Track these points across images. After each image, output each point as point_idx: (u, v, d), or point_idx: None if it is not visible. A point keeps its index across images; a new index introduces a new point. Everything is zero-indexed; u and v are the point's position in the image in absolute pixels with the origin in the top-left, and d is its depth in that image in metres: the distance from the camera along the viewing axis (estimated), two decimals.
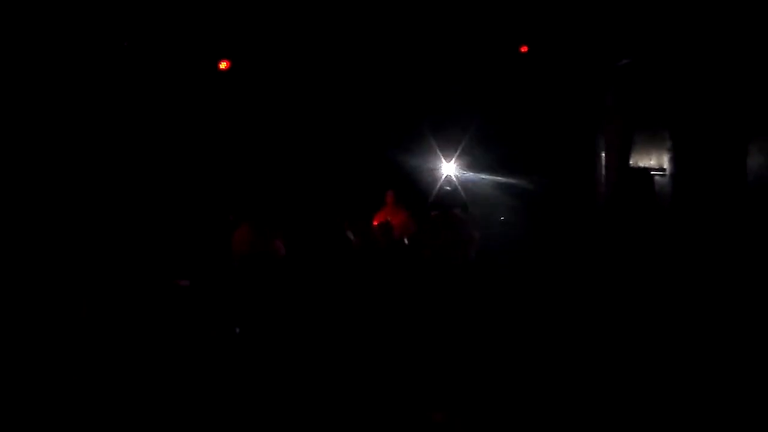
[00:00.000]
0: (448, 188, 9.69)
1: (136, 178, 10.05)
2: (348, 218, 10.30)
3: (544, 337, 7.22)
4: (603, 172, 10.16)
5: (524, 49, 10.12)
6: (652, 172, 9.02)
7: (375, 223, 10.21)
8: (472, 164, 11.47)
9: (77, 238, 8.65)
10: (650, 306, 7.56)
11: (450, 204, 8.54)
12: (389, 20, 10.01)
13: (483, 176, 11.43)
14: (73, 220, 8.90)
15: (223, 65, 10.13)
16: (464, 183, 11.18)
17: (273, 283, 8.61)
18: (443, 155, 11.48)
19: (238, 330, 7.36)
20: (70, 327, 6.79)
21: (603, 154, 10.21)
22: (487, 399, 6.01)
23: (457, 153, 11.40)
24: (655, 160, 8.93)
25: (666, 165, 8.61)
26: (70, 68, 9.49)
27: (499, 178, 11.25)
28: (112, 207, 9.36)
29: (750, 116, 6.94)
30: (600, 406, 5.74)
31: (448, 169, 11.49)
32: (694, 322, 6.93)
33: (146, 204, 9.91)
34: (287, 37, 10.49)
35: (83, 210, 9.09)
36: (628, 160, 9.50)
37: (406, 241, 10.17)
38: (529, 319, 7.71)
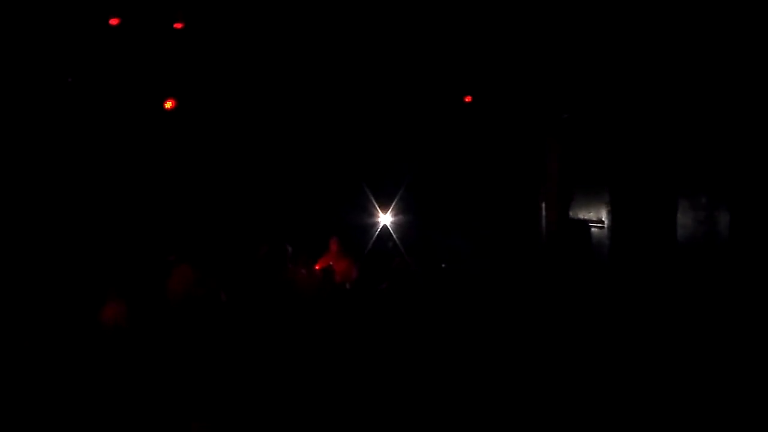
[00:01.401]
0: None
1: (82, 213, 9.95)
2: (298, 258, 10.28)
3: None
4: (543, 222, 10.35)
5: (468, 99, 10.35)
6: (589, 224, 9.24)
7: (317, 267, 10.21)
8: (418, 213, 11.61)
9: None
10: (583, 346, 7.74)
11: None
12: (335, 73, 10.24)
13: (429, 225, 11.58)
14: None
15: (168, 105, 10.10)
16: (405, 231, 11.34)
17: (211, 324, 8.51)
18: (382, 207, 11.62)
19: None
20: None
21: (543, 206, 10.42)
22: None
23: (395, 204, 11.57)
24: (593, 213, 9.17)
25: (604, 218, 8.84)
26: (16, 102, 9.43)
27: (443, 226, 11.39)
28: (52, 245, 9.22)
29: (679, 175, 7.22)
30: None
31: (386, 219, 11.64)
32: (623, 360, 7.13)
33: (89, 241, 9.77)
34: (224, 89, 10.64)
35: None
36: (567, 212, 9.71)
37: (347, 285, 10.20)
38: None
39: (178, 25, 9.50)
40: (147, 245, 9.94)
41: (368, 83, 10.45)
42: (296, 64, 10.34)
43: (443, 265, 10.76)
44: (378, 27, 9.81)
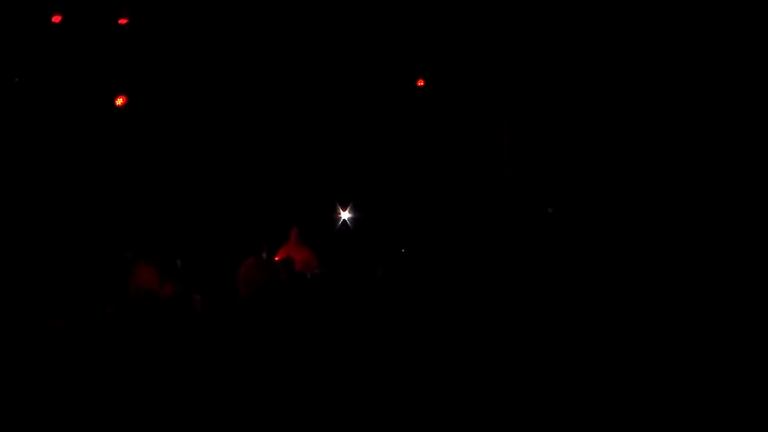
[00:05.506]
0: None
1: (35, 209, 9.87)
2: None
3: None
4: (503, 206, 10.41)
5: (421, 83, 10.32)
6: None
7: (277, 258, 10.21)
8: (377, 201, 11.61)
9: None
10: None
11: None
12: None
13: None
14: None
15: (119, 101, 10.00)
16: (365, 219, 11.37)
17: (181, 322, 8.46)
18: (340, 196, 11.60)
19: None
20: None
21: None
22: None
23: (353, 191, 11.55)
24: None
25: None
26: None
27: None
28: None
29: None
30: None
31: (345, 208, 11.64)
32: None
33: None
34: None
35: None
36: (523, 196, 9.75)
37: (308, 276, 10.22)
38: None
39: (122, 21, 9.39)
40: (100, 242, 9.87)
41: (318, 67, 10.40)
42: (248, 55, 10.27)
43: (403, 250, 10.83)
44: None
